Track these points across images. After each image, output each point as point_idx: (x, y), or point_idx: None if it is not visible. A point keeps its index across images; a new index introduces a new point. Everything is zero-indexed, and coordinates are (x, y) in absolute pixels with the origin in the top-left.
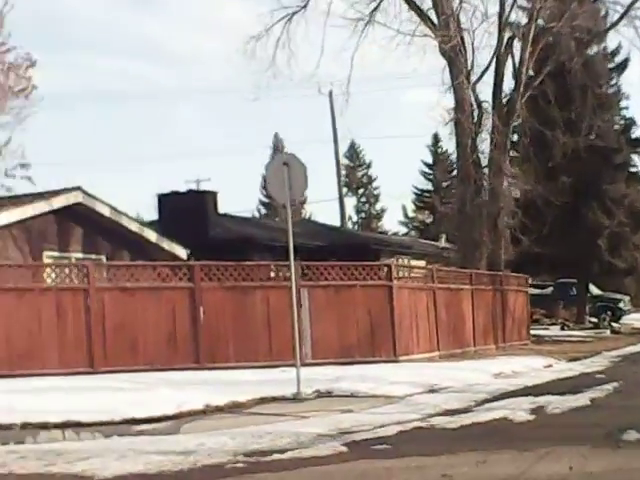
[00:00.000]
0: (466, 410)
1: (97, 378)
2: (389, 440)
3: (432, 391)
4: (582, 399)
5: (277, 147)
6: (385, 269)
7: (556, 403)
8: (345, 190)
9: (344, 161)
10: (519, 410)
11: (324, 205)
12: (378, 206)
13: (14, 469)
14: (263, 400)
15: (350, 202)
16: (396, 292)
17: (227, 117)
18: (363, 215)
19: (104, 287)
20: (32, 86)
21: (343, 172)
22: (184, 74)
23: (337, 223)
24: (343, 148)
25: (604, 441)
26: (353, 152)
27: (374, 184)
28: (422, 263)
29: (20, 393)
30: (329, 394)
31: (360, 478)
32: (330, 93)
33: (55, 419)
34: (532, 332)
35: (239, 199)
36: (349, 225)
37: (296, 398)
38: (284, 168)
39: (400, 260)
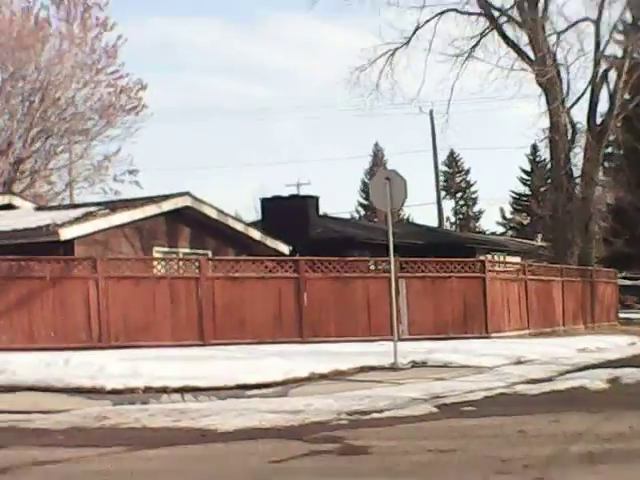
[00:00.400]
0: (548, 380)
1: (208, 349)
2: (475, 403)
3: (518, 363)
4: None
5: (377, 155)
6: (479, 264)
7: (631, 375)
8: (444, 194)
9: (443, 168)
10: (596, 380)
11: (423, 208)
12: (476, 208)
13: (146, 424)
14: (363, 369)
15: (448, 205)
16: (489, 282)
17: (329, 129)
18: (461, 216)
19: (214, 276)
20: (142, 105)
21: (442, 178)
22: (287, 91)
23: (435, 224)
24: (442, 157)
25: None
26: (452, 160)
27: (472, 188)
28: (517, 259)
29: (141, 360)
30: (423, 364)
31: (447, 432)
32: (431, 112)
33: (174, 384)
34: (623, 315)
35: (339, 202)
36: (447, 226)
37: (393, 367)
38: (386, 182)
39: (495, 257)
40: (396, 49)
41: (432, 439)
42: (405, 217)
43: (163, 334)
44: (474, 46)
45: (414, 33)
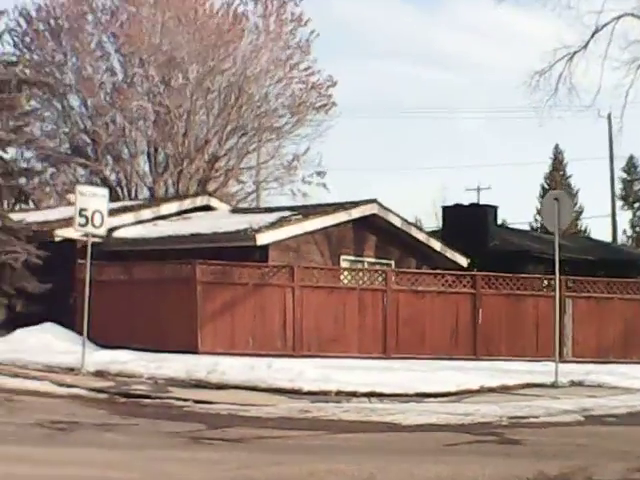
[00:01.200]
0: None
1: (389, 362)
2: (617, 416)
3: None
4: None
5: (557, 158)
6: None
7: None
8: (621, 203)
9: (621, 174)
10: None
11: (599, 220)
12: None
13: (342, 417)
14: (527, 385)
15: (626, 216)
16: None
17: (508, 128)
18: (638, 229)
19: (399, 289)
20: (332, 103)
21: (620, 185)
22: (471, 83)
23: (610, 238)
24: (621, 163)
25: None
26: (631, 166)
27: None
28: None
29: (331, 369)
30: (580, 384)
31: (587, 434)
32: (609, 116)
33: (362, 389)
34: None
35: (518, 207)
36: (624, 239)
37: (553, 385)
38: (555, 202)
39: None
40: (575, 53)
41: (573, 437)
42: (582, 229)
43: (350, 345)
44: None
45: (592, 37)
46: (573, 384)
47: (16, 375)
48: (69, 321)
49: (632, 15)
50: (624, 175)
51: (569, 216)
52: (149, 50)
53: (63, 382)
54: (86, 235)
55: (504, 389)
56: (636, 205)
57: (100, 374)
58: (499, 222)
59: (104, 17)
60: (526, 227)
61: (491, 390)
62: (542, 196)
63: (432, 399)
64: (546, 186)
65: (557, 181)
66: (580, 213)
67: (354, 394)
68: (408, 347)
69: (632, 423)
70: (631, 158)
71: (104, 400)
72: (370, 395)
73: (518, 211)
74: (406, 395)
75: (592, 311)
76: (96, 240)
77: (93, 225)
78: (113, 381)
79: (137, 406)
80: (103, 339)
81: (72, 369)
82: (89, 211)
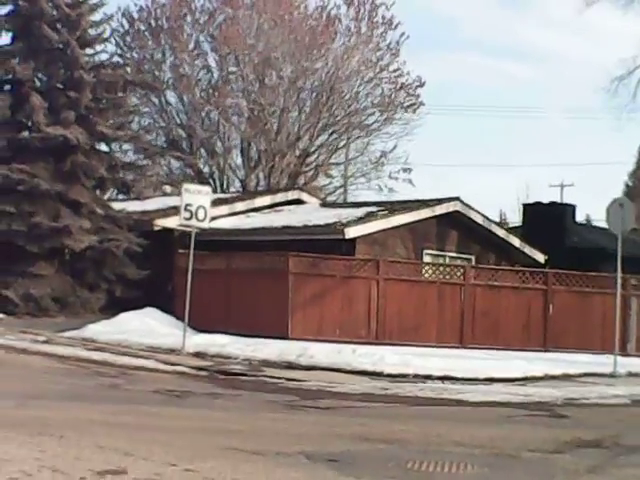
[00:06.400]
0: None
1: (465, 351)
2: None
3: None
4: None
5: None
6: None
7: None
8: None
9: None
10: None
11: None
12: None
13: (417, 394)
14: (587, 374)
15: None
16: None
17: (594, 126)
18: None
19: (476, 284)
20: (420, 103)
21: None
22: (557, 80)
23: None
24: None
25: None
26: None
27: None
28: None
29: (410, 355)
30: (637, 375)
31: (628, 413)
32: None
33: (436, 374)
34: None
35: (602, 205)
36: None
37: (611, 375)
38: (619, 208)
39: None
40: None
41: (615, 415)
42: None
43: (429, 335)
44: None
45: None
46: (630, 375)
47: (124, 354)
48: (168, 306)
49: None
50: None
51: (632, 221)
52: (245, 50)
53: (167, 361)
54: (190, 227)
55: (565, 377)
56: None
57: (199, 355)
58: (583, 219)
59: (202, 18)
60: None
61: (553, 377)
62: (626, 194)
63: (499, 383)
64: (630, 184)
65: None
66: None
67: (429, 377)
68: (483, 338)
69: None
70: None
71: (205, 377)
72: (444, 378)
73: (602, 209)
74: (476, 379)
75: None
76: (195, 231)
77: (197, 219)
78: (211, 361)
79: (236, 382)
80: (201, 324)
81: (173, 350)
82: (194, 206)
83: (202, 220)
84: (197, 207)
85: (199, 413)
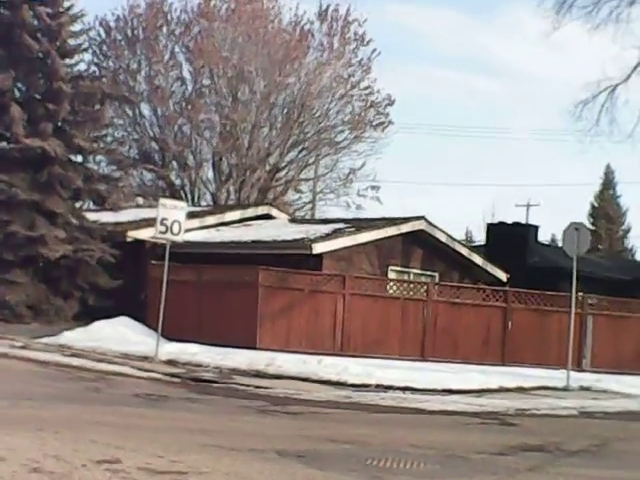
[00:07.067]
0: None
1: (426, 364)
2: (607, 413)
3: None
4: None
5: (607, 177)
6: None
7: None
8: None
9: None
10: None
11: None
12: None
13: (379, 402)
14: (540, 387)
15: None
16: None
17: (561, 146)
18: None
19: (438, 300)
20: (389, 121)
21: None
22: (523, 96)
23: None
24: None
25: None
26: None
27: None
28: None
29: (373, 366)
30: (588, 389)
31: (574, 424)
32: None
33: (398, 384)
34: None
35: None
36: None
37: (564, 389)
38: (575, 231)
39: None
40: (617, 85)
41: (561, 425)
42: (629, 247)
43: (392, 348)
44: None
45: (634, 69)
46: (582, 389)
47: (100, 360)
48: (139, 315)
49: None
50: None
51: (587, 244)
52: (219, 63)
53: (142, 367)
54: (165, 240)
55: (520, 389)
56: None
57: (171, 363)
58: (548, 239)
59: (178, 29)
60: None
61: (508, 390)
62: (591, 214)
63: (456, 394)
64: (596, 205)
65: (607, 199)
66: (627, 232)
67: (391, 387)
68: (443, 352)
69: (616, 418)
70: None
71: (179, 383)
72: (405, 389)
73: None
74: (435, 390)
75: (610, 327)
76: (165, 243)
77: (172, 233)
78: (183, 369)
79: (209, 388)
80: (173, 333)
81: (146, 357)
82: (169, 220)
83: (177, 234)
84: (172, 221)
85: (178, 415)
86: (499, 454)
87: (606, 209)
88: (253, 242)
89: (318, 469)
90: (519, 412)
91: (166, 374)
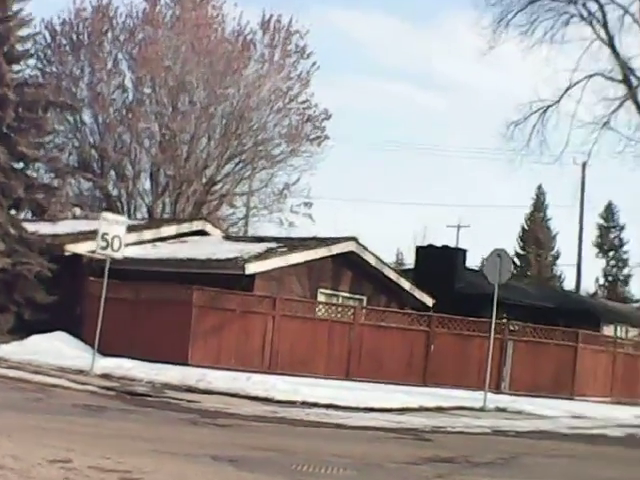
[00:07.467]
0: (586, 428)
1: (351, 383)
2: (518, 432)
3: (576, 417)
4: None
5: (539, 199)
6: (573, 335)
7: None
8: (596, 251)
9: (599, 221)
10: (617, 432)
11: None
12: (625, 271)
13: (303, 418)
14: (458, 407)
15: (601, 264)
16: (580, 352)
17: (493, 167)
18: (610, 278)
19: (365, 323)
20: (325, 136)
21: (597, 232)
22: (458, 115)
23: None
24: (600, 209)
25: None
26: (609, 212)
27: (624, 248)
28: (635, 332)
29: (300, 385)
30: (504, 410)
31: (486, 441)
32: (583, 164)
33: (322, 402)
34: None
35: (498, 245)
36: (595, 287)
37: (481, 409)
38: (497, 259)
39: (619, 327)
40: (548, 107)
41: (474, 441)
42: (557, 274)
43: (318, 368)
44: (612, 112)
45: (565, 92)
46: (498, 409)
47: (38, 373)
48: (75, 330)
49: (602, 75)
50: (602, 222)
51: (509, 272)
52: (161, 72)
53: (78, 380)
54: (105, 256)
55: (439, 409)
56: (610, 254)
57: (106, 377)
58: (478, 262)
59: (123, 36)
60: None
61: (428, 409)
62: (521, 237)
63: (378, 412)
64: (526, 227)
65: (537, 222)
66: (556, 258)
67: (316, 404)
68: (368, 372)
69: (527, 437)
70: (610, 205)
71: (114, 396)
72: (329, 406)
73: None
74: (357, 408)
75: (529, 353)
76: (102, 258)
77: (112, 249)
78: (118, 382)
79: (144, 401)
80: (108, 348)
81: (82, 371)
82: (110, 236)
83: (117, 250)
84: (113, 237)
85: (117, 424)
86: (412, 464)
87: (536, 232)
88: (189, 260)
89: (249, 472)
90: (435, 429)
91: (102, 387)
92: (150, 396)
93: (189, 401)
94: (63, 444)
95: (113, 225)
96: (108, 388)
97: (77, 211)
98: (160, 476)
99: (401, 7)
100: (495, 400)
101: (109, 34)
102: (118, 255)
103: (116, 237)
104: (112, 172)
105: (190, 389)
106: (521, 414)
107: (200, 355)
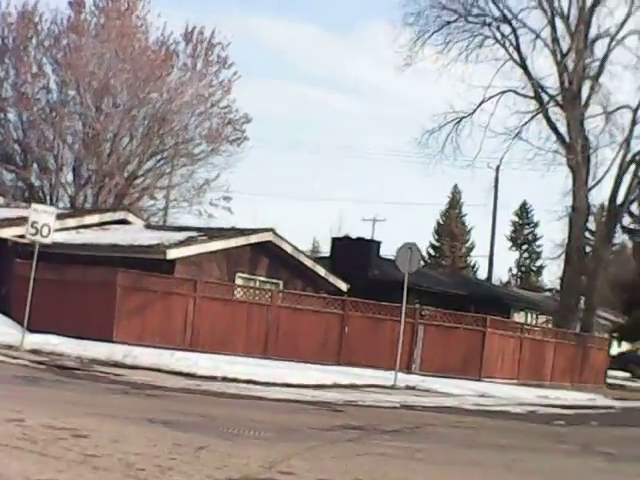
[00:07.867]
0: (490, 405)
1: (268, 361)
2: (424, 407)
3: (481, 396)
4: (567, 412)
5: (454, 197)
6: (481, 319)
7: (548, 410)
8: (510, 244)
9: (514, 218)
10: (519, 408)
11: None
12: (539, 263)
13: (225, 391)
14: (370, 385)
15: (514, 256)
16: (488, 336)
17: (409, 166)
18: (523, 269)
19: (281, 305)
20: (244, 137)
21: (511, 228)
22: (375, 111)
23: (505, 274)
24: (515, 207)
25: (541, 426)
26: (524, 211)
27: (537, 242)
28: (543, 318)
29: (221, 362)
30: (413, 388)
31: (395, 413)
32: (497, 168)
33: (242, 377)
34: (619, 382)
35: (413, 240)
36: (508, 278)
37: (392, 387)
38: (408, 251)
39: (529, 314)
40: (462, 118)
41: (383, 414)
42: (472, 264)
43: (237, 346)
44: (524, 125)
45: (479, 106)
46: (408, 387)
47: None
48: (3, 309)
49: (515, 92)
50: (516, 219)
51: (418, 263)
52: (86, 76)
53: (9, 355)
54: (35, 242)
55: (352, 386)
56: (524, 247)
57: (36, 352)
58: (383, 257)
59: (47, 41)
60: None
61: (342, 386)
62: (436, 231)
63: (295, 388)
64: (441, 222)
65: (452, 218)
66: (470, 250)
67: (236, 380)
68: (285, 352)
69: (432, 411)
70: (524, 204)
71: (46, 369)
72: (248, 382)
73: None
74: (275, 384)
75: (440, 336)
76: (27, 242)
77: (41, 235)
78: (48, 357)
79: (73, 374)
80: (37, 325)
81: (12, 346)
82: (39, 224)
83: (46, 236)
84: (42, 225)
85: (57, 392)
86: (326, 430)
87: (451, 227)
88: (112, 245)
89: (183, 432)
90: (348, 403)
91: (33, 361)
92: (79, 370)
93: (117, 375)
94: (13, 407)
95: (42, 214)
96: (39, 362)
97: (1, 200)
98: (105, 434)
99: (322, 17)
100: (406, 379)
101: (34, 39)
102: (47, 241)
103: (45, 225)
104: (35, 165)
105: (117, 364)
106: (429, 392)
107: (125, 333)
